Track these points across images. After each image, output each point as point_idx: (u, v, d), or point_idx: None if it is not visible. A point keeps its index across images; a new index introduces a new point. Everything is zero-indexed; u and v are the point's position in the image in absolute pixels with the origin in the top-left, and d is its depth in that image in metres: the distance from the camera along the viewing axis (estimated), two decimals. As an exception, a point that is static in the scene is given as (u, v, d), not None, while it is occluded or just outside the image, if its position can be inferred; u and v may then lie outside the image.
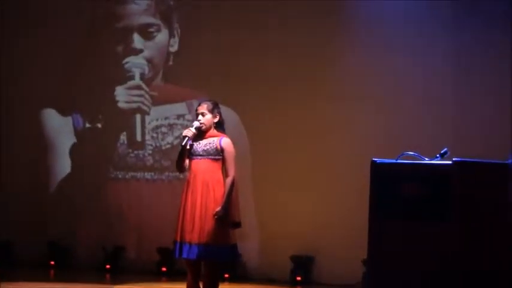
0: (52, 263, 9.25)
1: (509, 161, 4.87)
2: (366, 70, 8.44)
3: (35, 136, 9.67)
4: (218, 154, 5.84)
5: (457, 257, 4.51)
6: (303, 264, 8.46)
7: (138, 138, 9.41)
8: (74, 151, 9.57)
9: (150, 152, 9.33)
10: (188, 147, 5.88)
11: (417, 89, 8.27)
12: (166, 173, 9.23)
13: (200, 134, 5.91)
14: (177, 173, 8.76)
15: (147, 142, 9.35)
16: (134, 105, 9.44)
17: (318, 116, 8.62)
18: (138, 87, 9.43)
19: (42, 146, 9.67)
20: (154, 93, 9.37)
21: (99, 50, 9.61)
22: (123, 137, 9.46)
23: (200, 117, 5.92)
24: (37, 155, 9.66)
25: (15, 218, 9.47)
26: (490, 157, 5.00)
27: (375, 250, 4.83)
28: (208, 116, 5.92)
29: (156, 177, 9.30)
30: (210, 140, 5.88)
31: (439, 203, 4.57)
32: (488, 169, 4.71)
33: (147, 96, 9.40)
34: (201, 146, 5.87)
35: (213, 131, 5.92)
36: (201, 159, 5.84)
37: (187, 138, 5.85)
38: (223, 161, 5.85)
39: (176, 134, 9.18)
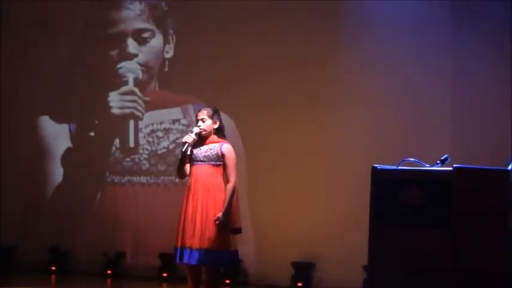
0: (53, 268, 9.21)
1: (509, 168, 4.90)
2: (365, 78, 8.44)
3: (32, 142, 9.64)
4: (219, 160, 5.86)
5: (457, 263, 4.52)
6: (304, 270, 8.46)
7: (131, 144, 9.40)
8: (70, 157, 9.56)
9: (146, 156, 9.33)
10: (188, 153, 5.90)
11: (417, 95, 8.28)
12: (162, 177, 9.23)
13: (201, 139, 5.92)
14: (173, 177, 8.86)
15: (144, 146, 9.35)
16: (127, 111, 9.45)
17: (316, 122, 8.61)
18: (131, 93, 9.43)
19: (39, 152, 9.65)
20: (147, 99, 9.38)
21: (94, 55, 9.60)
22: (118, 141, 9.46)
23: (200, 123, 5.94)
24: (35, 161, 9.64)
25: (16, 224, 9.45)
26: (489, 163, 5.02)
27: (375, 256, 4.85)
28: (208, 122, 5.94)
29: (152, 181, 9.30)
30: (211, 146, 5.90)
31: (439, 209, 4.55)
32: (488, 175, 4.71)
33: (140, 101, 9.41)
34: (202, 151, 5.89)
35: (213, 137, 5.93)
36: (202, 165, 5.86)
37: (187, 144, 5.86)
38: (224, 167, 5.88)
39: (172, 138, 9.20)
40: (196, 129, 5.91)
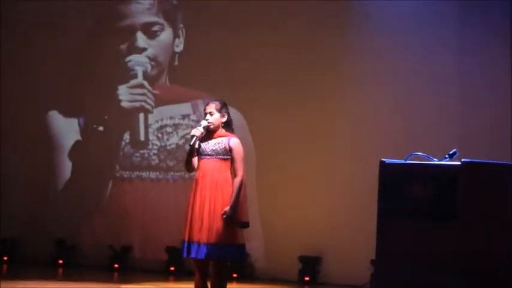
0: (60, 261, 9.26)
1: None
2: (372, 71, 8.45)
3: (41, 136, 9.69)
4: (227, 154, 5.84)
5: (465, 257, 4.50)
6: (311, 264, 8.47)
7: (142, 137, 9.42)
8: (80, 151, 9.59)
9: (156, 151, 9.34)
10: (196, 146, 5.88)
11: (424, 90, 8.28)
12: (172, 173, 9.24)
13: (209, 133, 5.90)
14: (182, 173, 8.87)
15: (153, 142, 9.35)
16: (137, 104, 9.46)
17: (324, 117, 8.63)
18: (141, 86, 9.44)
19: (49, 146, 9.68)
20: (157, 92, 9.39)
21: (103, 49, 9.62)
22: (127, 137, 9.48)
23: (208, 116, 5.91)
24: (44, 154, 9.67)
25: (23, 216, 9.49)
26: (497, 158, 5.01)
27: (383, 250, 4.82)
28: (217, 115, 5.91)
29: (161, 176, 9.30)
30: (219, 139, 5.88)
31: (447, 204, 4.55)
32: (496, 170, 4.71)
33: (149, 95, 9.42)
34: (209, 145, 5.87)
35: (221, 131, 5.91)
36: (209, 159, 5.84)
37: (195, 137, 5.84)
38: (231, 161, 5.86)
39: (181, 133, 9.20)
40: (204, 123, 5.89)
